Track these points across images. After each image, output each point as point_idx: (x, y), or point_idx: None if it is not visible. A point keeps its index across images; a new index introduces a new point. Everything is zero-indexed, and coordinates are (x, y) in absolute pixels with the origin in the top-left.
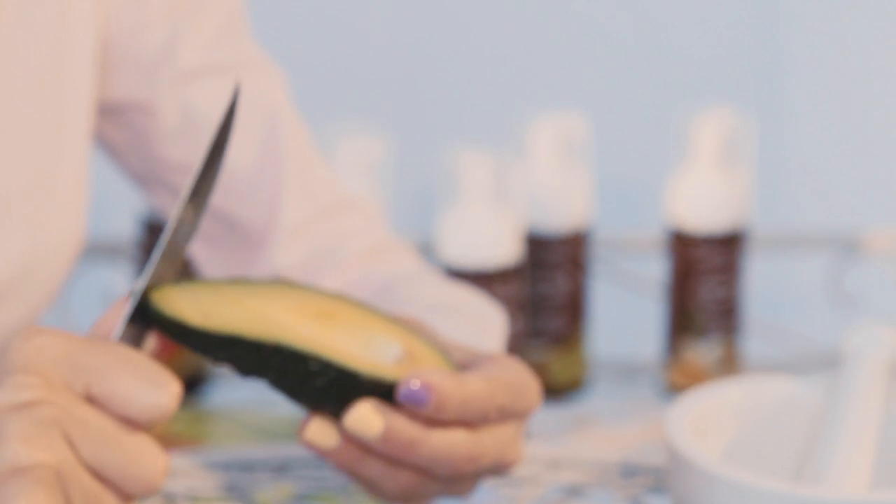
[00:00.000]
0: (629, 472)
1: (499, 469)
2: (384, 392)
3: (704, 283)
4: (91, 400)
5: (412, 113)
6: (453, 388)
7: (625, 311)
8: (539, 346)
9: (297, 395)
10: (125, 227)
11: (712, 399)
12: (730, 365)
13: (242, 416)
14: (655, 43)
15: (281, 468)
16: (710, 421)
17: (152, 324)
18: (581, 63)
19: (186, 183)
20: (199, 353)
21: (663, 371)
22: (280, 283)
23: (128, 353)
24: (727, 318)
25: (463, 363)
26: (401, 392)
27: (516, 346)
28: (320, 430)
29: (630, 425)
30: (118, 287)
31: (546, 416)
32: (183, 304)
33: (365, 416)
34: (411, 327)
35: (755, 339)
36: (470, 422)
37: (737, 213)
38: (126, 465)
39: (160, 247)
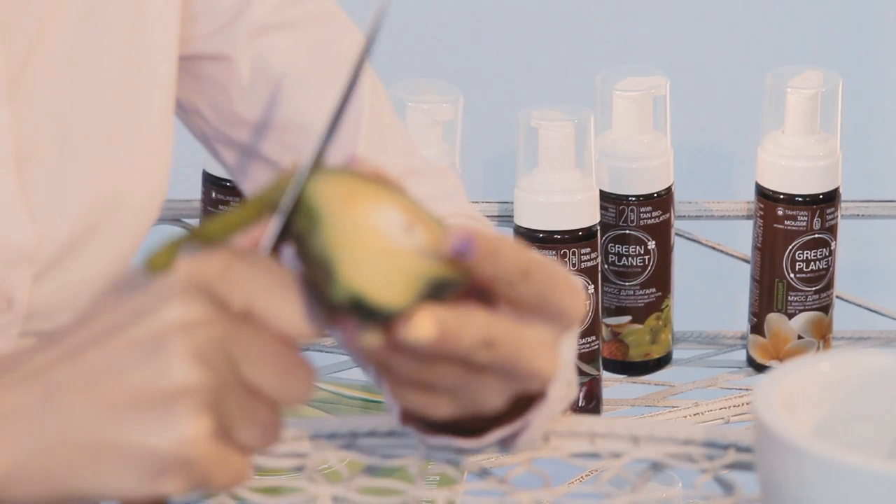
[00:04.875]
0: (713, 448)
1: (523, 375)
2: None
3: (793, 252)
4: (249, 314)
5: (487, 74)
6: (485, 238)
7: (709, 280)
8: (619, 316)
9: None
10: (192, 188)
11: (802, 373)
12: (820, 338)
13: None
14: (745, 3)
15: (350, 440)
16: (800, 396)
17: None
18: (664, 23)
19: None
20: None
21: (749, 344)
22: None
23: (284, 271)
24: (817, 288)
25: None
26: (450, 247)
27: (595, 314)
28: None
29: (715, 400)
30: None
31: (627, 390)
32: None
33: (423, 330)
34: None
35: (844, 311)
36: (494, 293)
37: (827, 180)
38: (282, 381)
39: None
